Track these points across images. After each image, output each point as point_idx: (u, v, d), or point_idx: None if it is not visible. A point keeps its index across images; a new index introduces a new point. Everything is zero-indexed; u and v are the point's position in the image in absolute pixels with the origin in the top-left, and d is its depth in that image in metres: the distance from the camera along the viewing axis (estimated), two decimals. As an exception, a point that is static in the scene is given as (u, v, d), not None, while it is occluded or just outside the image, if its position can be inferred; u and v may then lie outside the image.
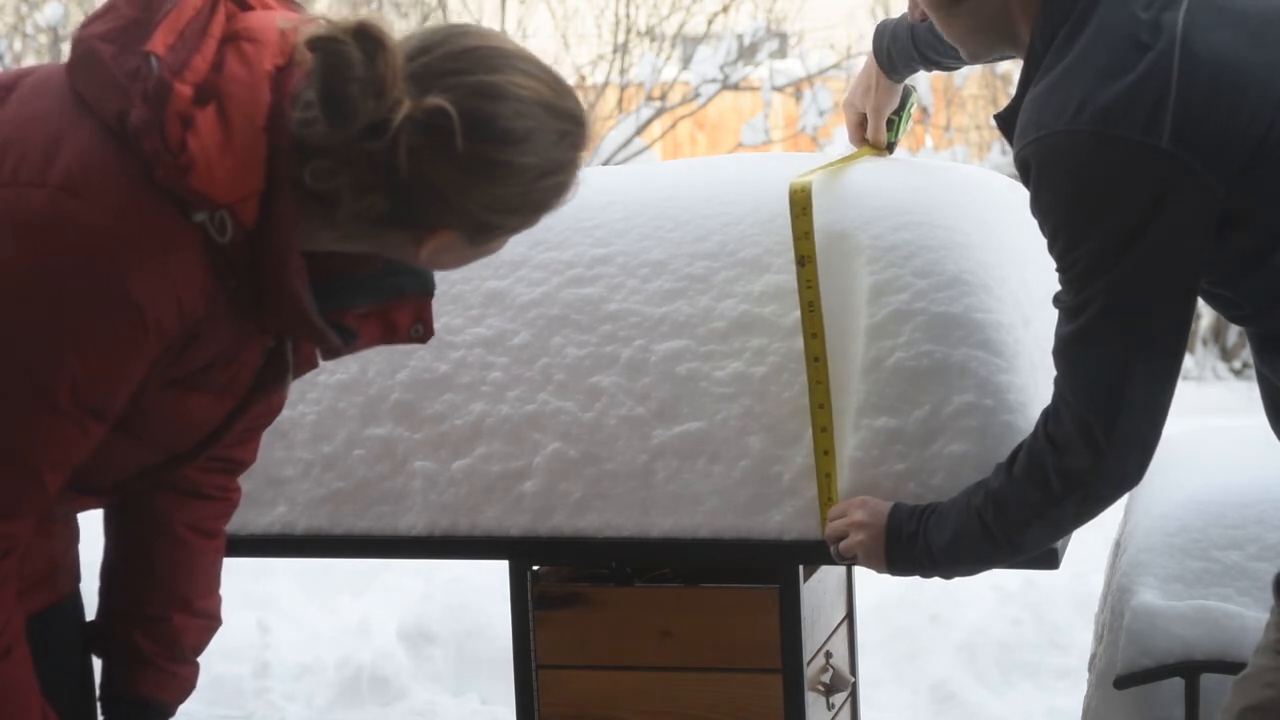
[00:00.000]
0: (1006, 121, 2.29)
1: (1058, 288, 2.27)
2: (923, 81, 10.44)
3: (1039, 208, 2.23)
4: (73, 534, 2.21)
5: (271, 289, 1.91)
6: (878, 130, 2.92)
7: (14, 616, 1.95)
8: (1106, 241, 2.17)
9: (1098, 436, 2.23)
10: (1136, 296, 2.19)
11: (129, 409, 1.94)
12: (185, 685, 2.31)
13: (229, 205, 1.85)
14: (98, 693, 2.29)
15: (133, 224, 1.84)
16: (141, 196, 1.84)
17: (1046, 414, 2.31)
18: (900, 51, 2.80)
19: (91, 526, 2.29)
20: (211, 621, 2.33)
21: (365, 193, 1.88)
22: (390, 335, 2.10)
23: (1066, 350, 2.25)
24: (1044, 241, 2.26)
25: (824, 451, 2.59)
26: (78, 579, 2.23)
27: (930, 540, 2.44)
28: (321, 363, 2.17)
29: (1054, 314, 2.29)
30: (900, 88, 2.90)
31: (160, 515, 2.24)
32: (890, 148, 2.95)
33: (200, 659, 2.35)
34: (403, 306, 2.09)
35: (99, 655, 2.28)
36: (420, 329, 2.11)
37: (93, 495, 2.11)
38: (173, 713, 2.30)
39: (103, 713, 2.28)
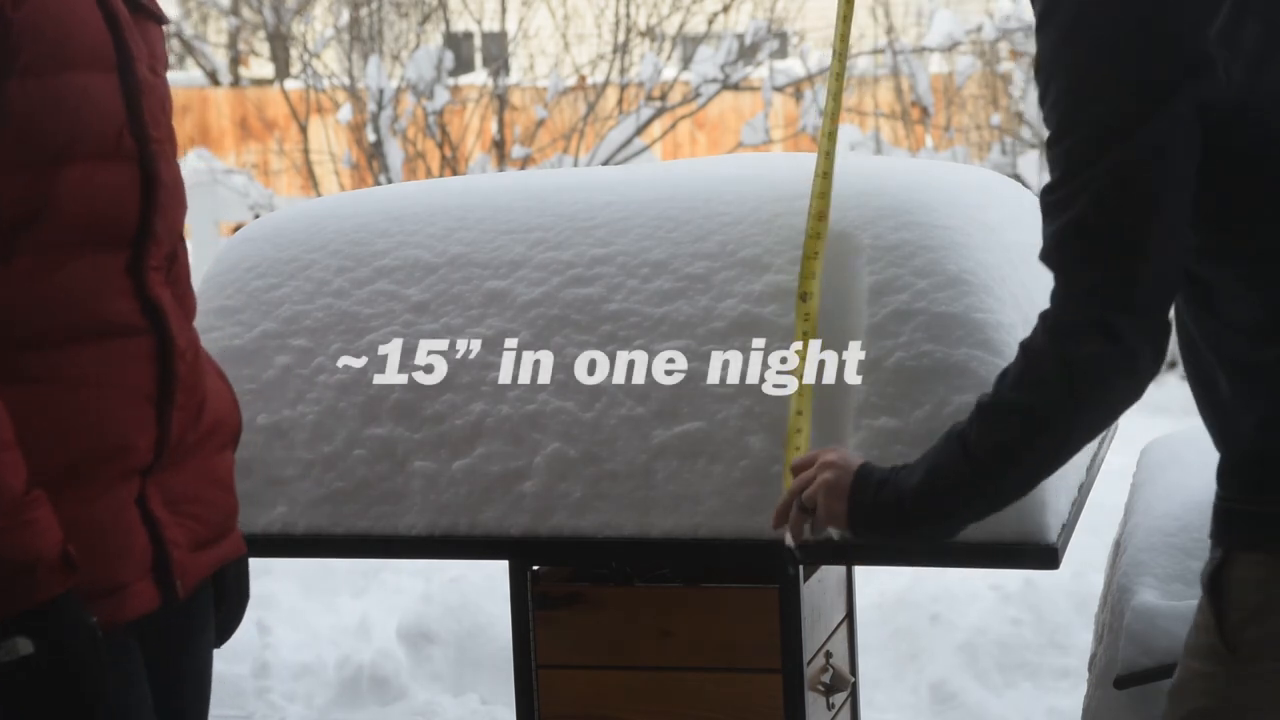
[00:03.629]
0: None
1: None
2: (922, 81, 10.45)
3: (1048, 55, 2.04)
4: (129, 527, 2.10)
5: None
6: None
7: None
8: (1126, 101, 2.00)
9: (1111, 318, 2.03)
10: (1151, 171, 2.01)
11: (27, 113, 1.96)
12: None
13: None
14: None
15: None
16: None
17: (1043, 315, 2.10)
18: None
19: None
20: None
21: None
22: None
23: (1070, 229, 2.04)
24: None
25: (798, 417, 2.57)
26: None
27: (900, 484, 2.23)
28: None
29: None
30: None
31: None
32: None
33: None
34: None
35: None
36: None
37: (89, 340, 2.06)
38: None
39: None
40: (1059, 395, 2.08)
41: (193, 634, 2.27)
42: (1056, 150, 2.06)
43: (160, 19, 2.22)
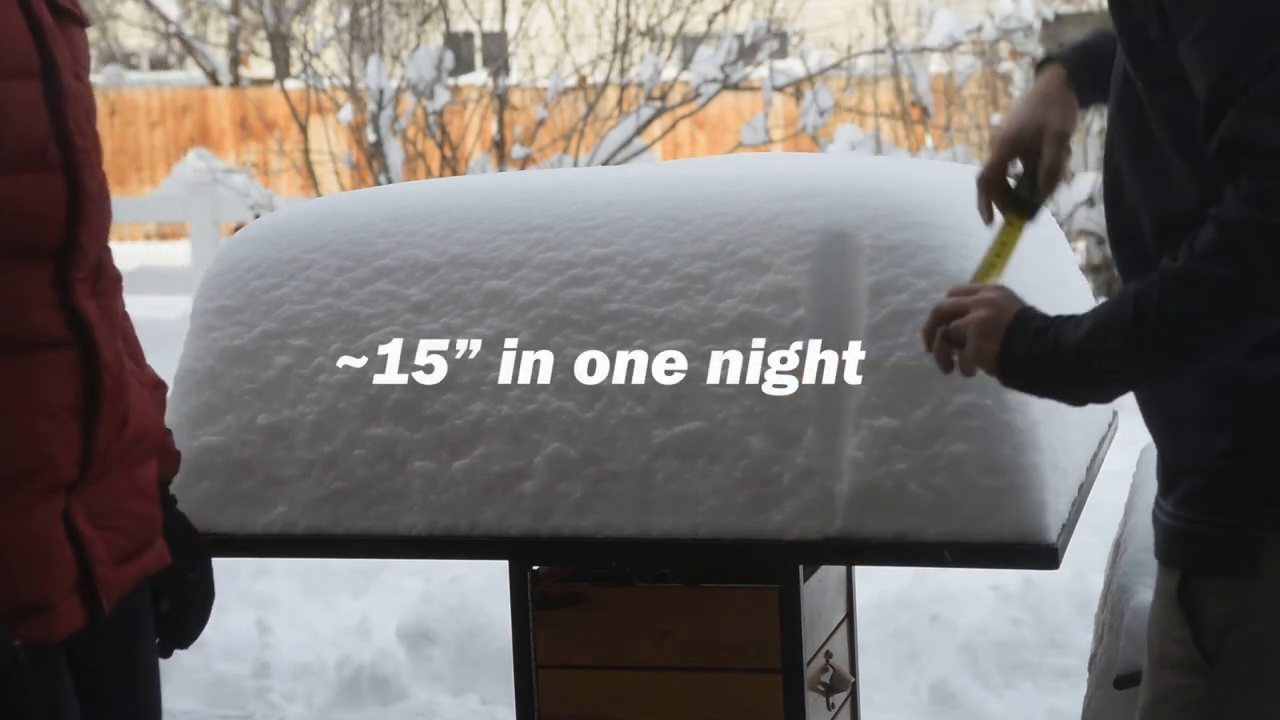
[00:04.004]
0: None
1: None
2: (922, 81, 10.45)
3: None
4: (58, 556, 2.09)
5: None
6: (1059, 160, 2.29)
7: None
8: None
9: None
10: None
11: None
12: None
13: None
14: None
15: None
16: None
17: (1237, 186, 1.94)
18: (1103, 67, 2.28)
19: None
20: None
21: None
22: None
23: (1274, 93, 1.91)
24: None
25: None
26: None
27: (1061, 335, 2.06)
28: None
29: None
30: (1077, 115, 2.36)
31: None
32: (1032, 211, 2.31)
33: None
34: None
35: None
36: None
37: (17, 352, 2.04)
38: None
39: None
40: (1264, 268, 1.92)
41: (137, 636, 2.24)
42: (1224, 29, 1.94)
43: (83, 22, 2.18)
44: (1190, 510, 2.08)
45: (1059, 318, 2.09)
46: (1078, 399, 2.12)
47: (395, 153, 10.06)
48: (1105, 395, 2.11)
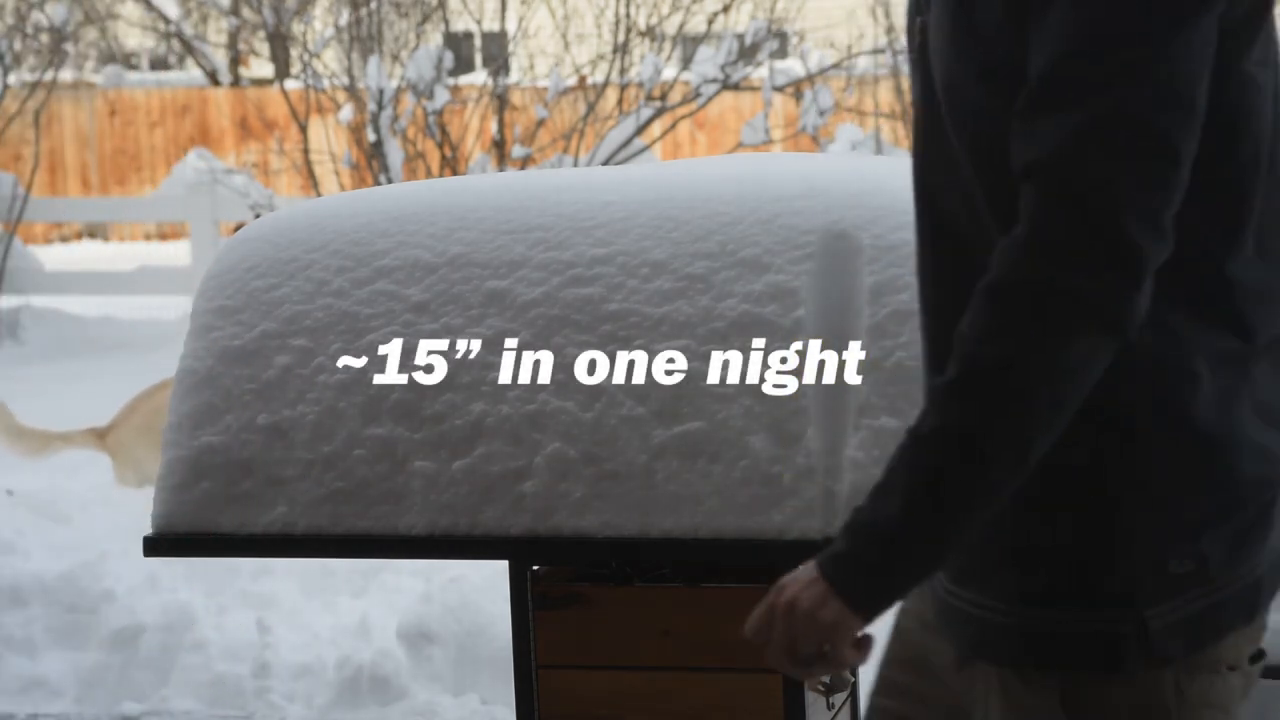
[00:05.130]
0: None
1: None
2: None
3: None
4: None
5: None
6: None
7: None
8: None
9: (1141, 241, 1.61)
10: (1195, 65, 1.64)
11: None
12: None
13: None
14: None
15: None
16: None
17: (1026, 240, 1.65)
18: None
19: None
20: None
21: None
22: None
23: (1087, 126, 1.62)
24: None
25: None
26: None
27: (876, 517, 1.75)
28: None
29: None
30: None
31: None
32: None
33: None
34: None
35: None
36: None
37: None
38: None
39: None
40: (1047, 338, 1.65)
41: None
42: (1080, 14, 1.65)
43: None
44: (1043, 604, 1.80)
45: (855, 522, 1.80)
46: (939, 544, 1.75)
47: (395, 153, 10.06)
48: (958, 546, 1.74)
